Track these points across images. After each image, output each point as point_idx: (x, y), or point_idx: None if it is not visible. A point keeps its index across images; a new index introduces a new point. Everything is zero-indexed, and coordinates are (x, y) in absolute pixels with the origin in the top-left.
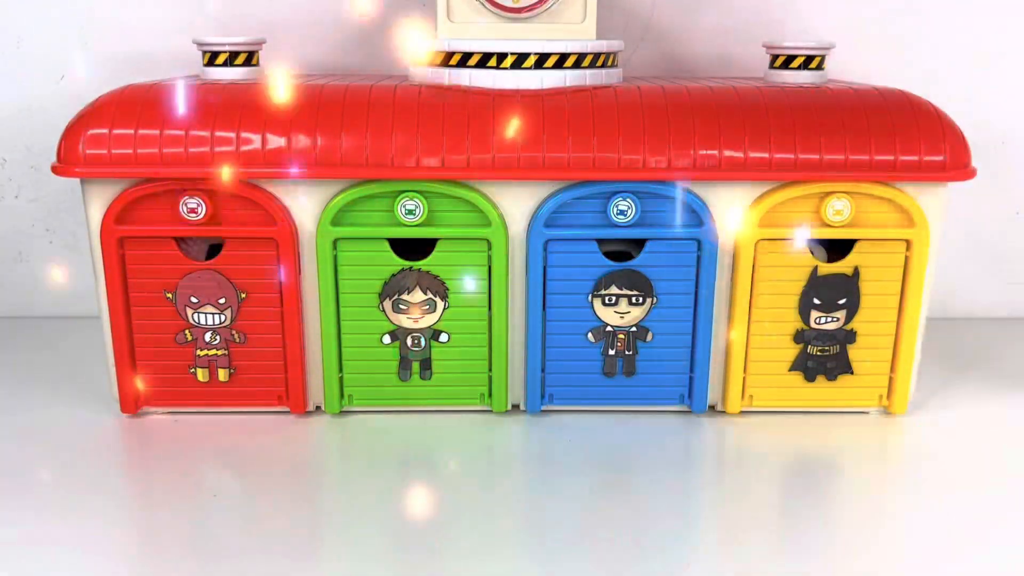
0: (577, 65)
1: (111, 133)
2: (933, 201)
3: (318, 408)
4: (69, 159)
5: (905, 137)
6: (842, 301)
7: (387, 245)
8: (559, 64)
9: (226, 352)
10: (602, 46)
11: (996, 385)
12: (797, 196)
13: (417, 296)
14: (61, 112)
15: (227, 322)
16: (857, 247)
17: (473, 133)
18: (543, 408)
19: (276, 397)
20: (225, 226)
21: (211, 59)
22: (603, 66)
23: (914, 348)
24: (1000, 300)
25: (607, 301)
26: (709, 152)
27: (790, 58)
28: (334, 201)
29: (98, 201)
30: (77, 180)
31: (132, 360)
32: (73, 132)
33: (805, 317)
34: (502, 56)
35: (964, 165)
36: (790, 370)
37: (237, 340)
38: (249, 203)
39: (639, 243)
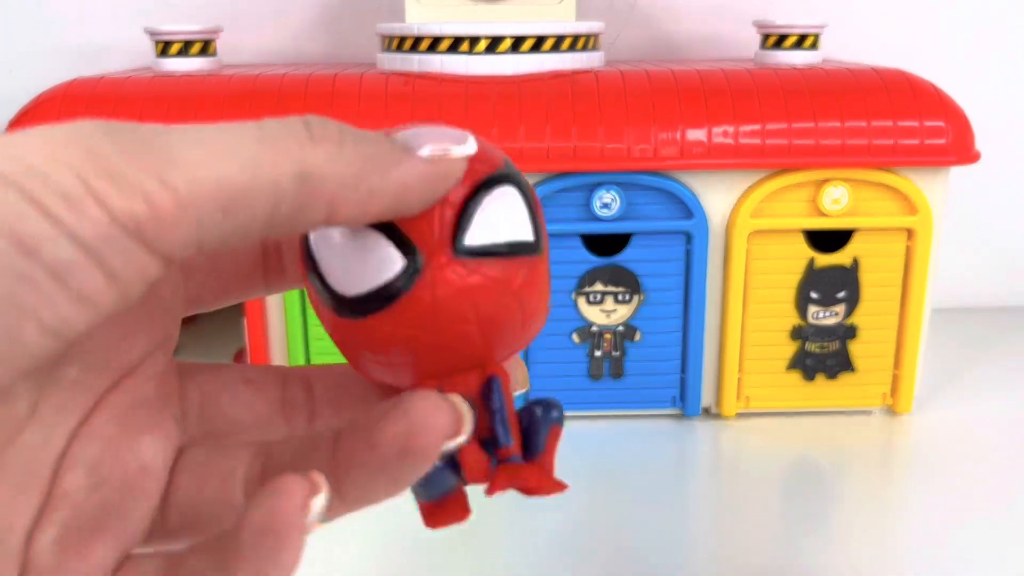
0: (555, 49)
1: None
2: (935, 187)
3: None
4: None
5: (905, 119)
6: (841, 295)
7: None
8: (536, 48)
9: None
10: (581, 28)
11: (1006, 379)
12: (792, 184)
13: None
14: (10, 109)
15: None
16: (856, 237)
17: (445, 123)
18: None
19: None
20: None
21: (164, 49)
22: (583, 49)
23: (919, 342)
24: (1008, 289)
25: (592, 299)
26: (697, 139)
27: (782, 37)
28: None
29: None
30: None
31: None
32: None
33: (802, 312)
34: (475, 40)
35: (968, 148)
36: (788, 369)
37: None
38: None
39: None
